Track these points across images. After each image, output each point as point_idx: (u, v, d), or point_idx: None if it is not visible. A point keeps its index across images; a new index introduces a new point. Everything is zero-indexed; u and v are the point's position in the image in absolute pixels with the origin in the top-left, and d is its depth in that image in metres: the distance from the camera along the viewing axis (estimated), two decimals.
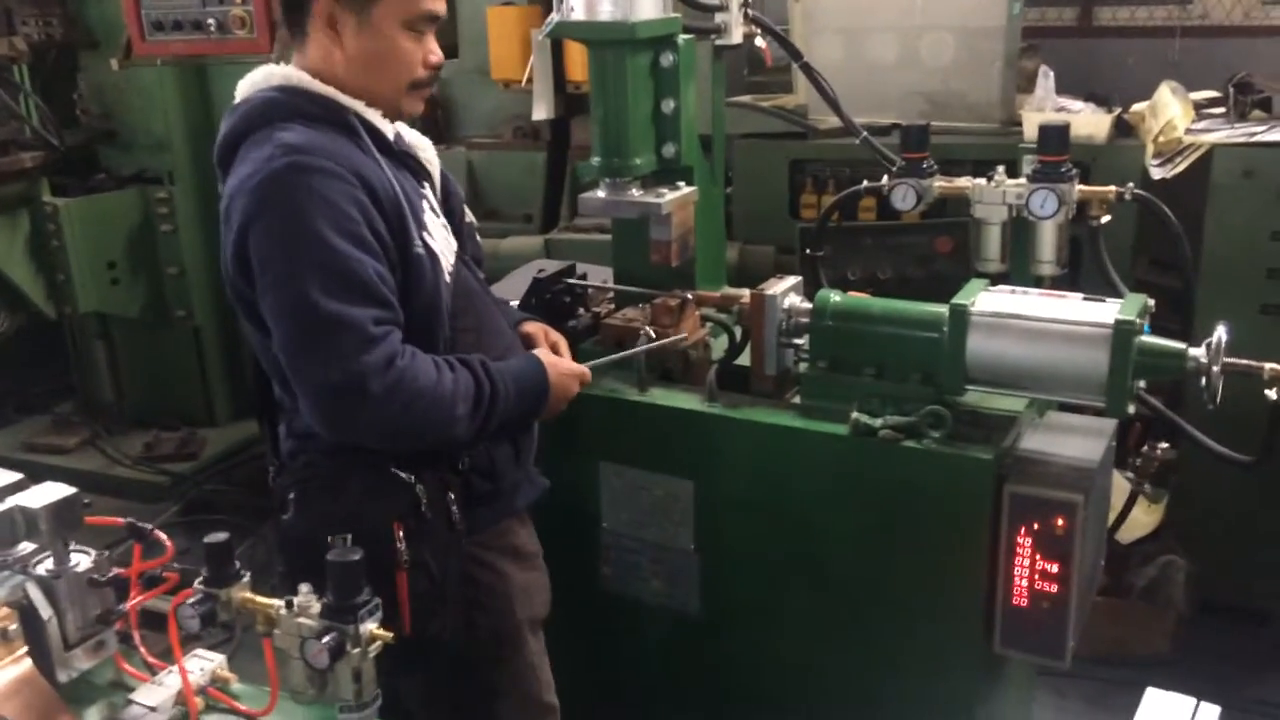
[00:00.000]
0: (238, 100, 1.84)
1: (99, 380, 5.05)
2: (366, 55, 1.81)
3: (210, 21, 3.94)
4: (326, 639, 1.43)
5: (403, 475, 1.82)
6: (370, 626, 1.45)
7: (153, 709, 1.55)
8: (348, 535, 1.65)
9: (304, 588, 1.49)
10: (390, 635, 1.45)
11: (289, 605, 1.48)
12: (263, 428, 2.03)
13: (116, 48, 4.39)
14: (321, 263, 1.67)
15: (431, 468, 1.86)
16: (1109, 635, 3.23)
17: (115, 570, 1.64)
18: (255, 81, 1.84)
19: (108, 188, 4.64)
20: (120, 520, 1.73)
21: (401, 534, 1.80)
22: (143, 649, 1.65)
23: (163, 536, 1.68)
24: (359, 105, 1.81)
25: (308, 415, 1.75)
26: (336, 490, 1.82)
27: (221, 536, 1.55)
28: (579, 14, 2.14)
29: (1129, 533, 3.52)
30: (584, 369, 2.07)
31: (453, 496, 1.87)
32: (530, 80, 2.96)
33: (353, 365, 1.66)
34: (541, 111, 2.77)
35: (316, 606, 1.47)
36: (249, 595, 1.54)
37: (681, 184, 2.31)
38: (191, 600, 1.52)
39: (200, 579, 1.54)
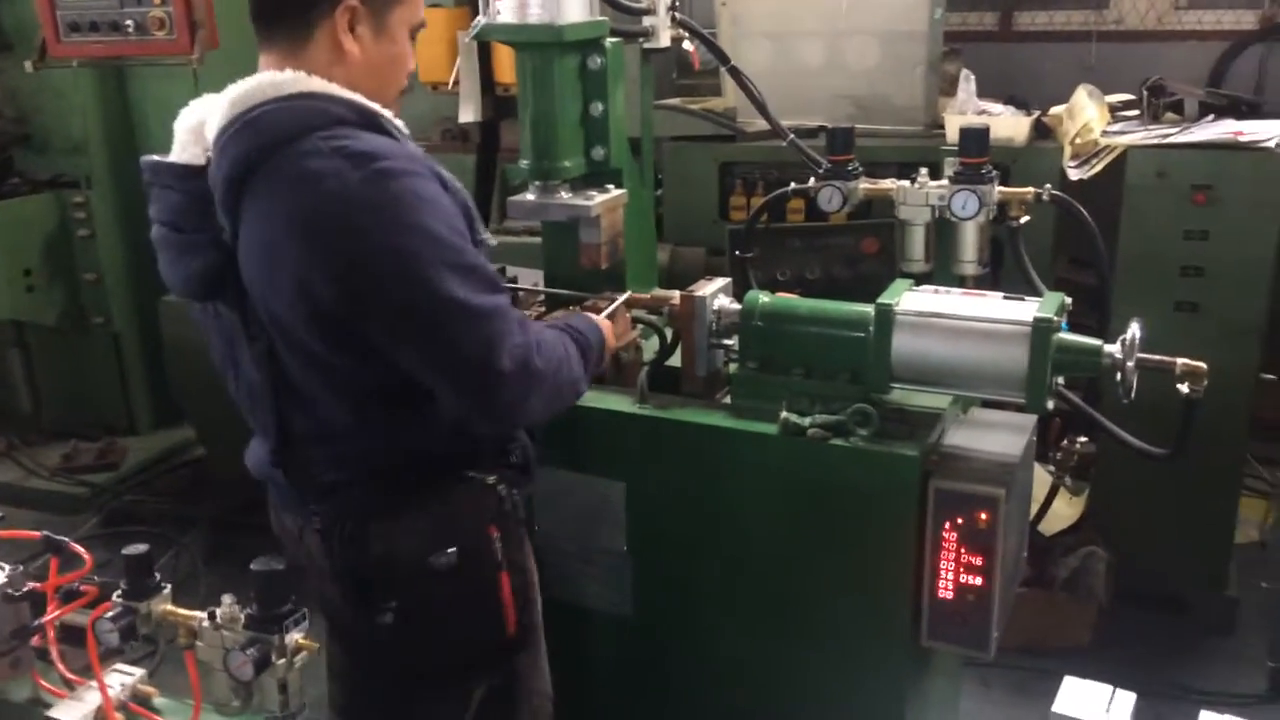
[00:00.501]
0: (228, 117, 1.66)
1: (15, 390, 4.90)
2: (381, 60, 1.77)
3: (128, 23, 3.84)
4: (251, 650, 1.41)
5: (488, 479, 1.84)
6: (296, 636, 1.45)
7: None
8: (450, 551, 1.74)
9: (226, 599, 1.48)
10: (315, 646, 1.45)
11: (211, 617, 1.46)
12: (291, 465, 1.81)
13: (31, 49, 4.26)
14: (452, 263, 1.63)
15: (495, 467, 1.87)
16: (1032, 626, 3.31)
17: (30, 585, 1.60)
18: (252, 93, 1.67)
19: (22, 192, 4.50)
20: (36, 533, 1.69)
21: (497, 535, 1.83)
22: (61, 665, 1.62)
23: (80, 549, 1.65)
24: (378, 108, 1.74)
25: (477, 413, 1.71)
26: (421, 506, 1.78)
27: (140, 548, 1.53)
28: (506, 16, 2.13)
29: (1051, 525, 3.61)
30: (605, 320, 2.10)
31: (516, 491, 1.90)
32: (457, 83, 2.94)
33: (517, 351, 1.67)
34: (469, 114, 2.75)
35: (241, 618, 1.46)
36: (170, 608, 1.52)
37: (611, 187, 2.31)
38: (110, 614, 1.49)
39: (119, 592, 1.51)
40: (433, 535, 1.76)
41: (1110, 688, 1.17)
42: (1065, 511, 3.74)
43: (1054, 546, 3.52)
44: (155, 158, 1.79)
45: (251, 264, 1.67)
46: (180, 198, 1.75)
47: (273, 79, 1.68)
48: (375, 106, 1.73)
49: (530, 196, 2.27)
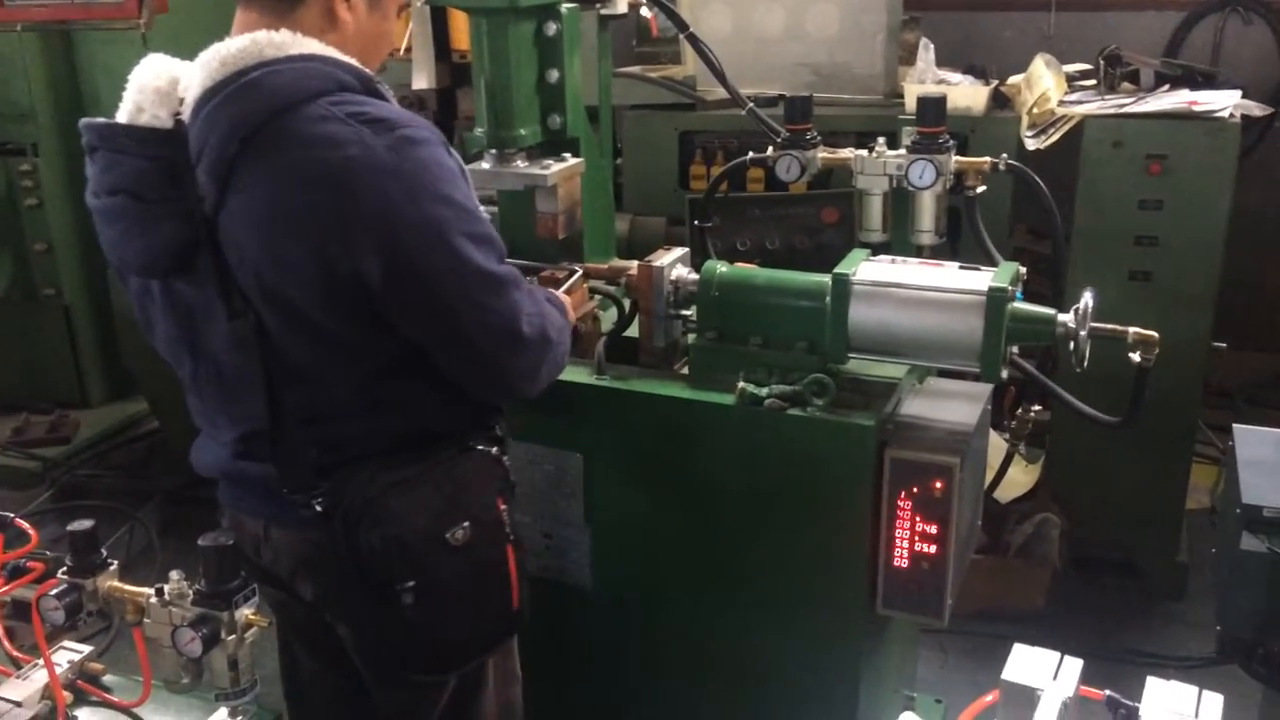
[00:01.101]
0: (220, 76, 1.58)
1: None
2: (371, 32, 1.73)
3: None
4: (199, 627, 1.39)
5: (492, 449, 1.81)
6: (246, 612, 1.43)
7: (18, 704, 1.49)
8: (465, 524, 1.70)
9: (175, 574, 1.45)
10: (266, 622, 1.43)
11: (159, 593, 1.44)
12: (283, 447, 1.70)
13: None
14: (474, 232, 1.63)
15: (490, 441, 1.84)
16: (987, 592, 3.35)
17: None
18: (247, 51, 1.59)
19: None
20: None
21: (504, 509, 1.80)
22: (7, 643, 1.59)
23: (25, 525, 1.62)
24: (374, 76, 1.69)
25: (494, 381, 1.75)
26: (431, 482, 1.72)
27: (86, 524, 1.50)
28: None
29: (1007, 492, 3.66)
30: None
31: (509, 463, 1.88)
32: (409, 49, 2.89)
33: (535, 319, 1.72)
34: (422, 81, 2.70)
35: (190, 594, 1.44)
36: (116, 584, 1.50)
37: (568, 156, 2.29)
38: (55, 591, 1.47)
39: (64, 569, 1.48)
40: (445, 509, 1.70)
41: (1058, 654, 1.18)
42: (1021, 479, 3.79)
43: (1009, 513, 3.57)
44: (103, 120, 1.66)
45: (249, 233, 1.57)
46: (142, 163, 1.62)
47: (270, 38, 1.60)
48: (371, 73, 1.69)
49: (485, 165, 2.24)
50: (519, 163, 2.22)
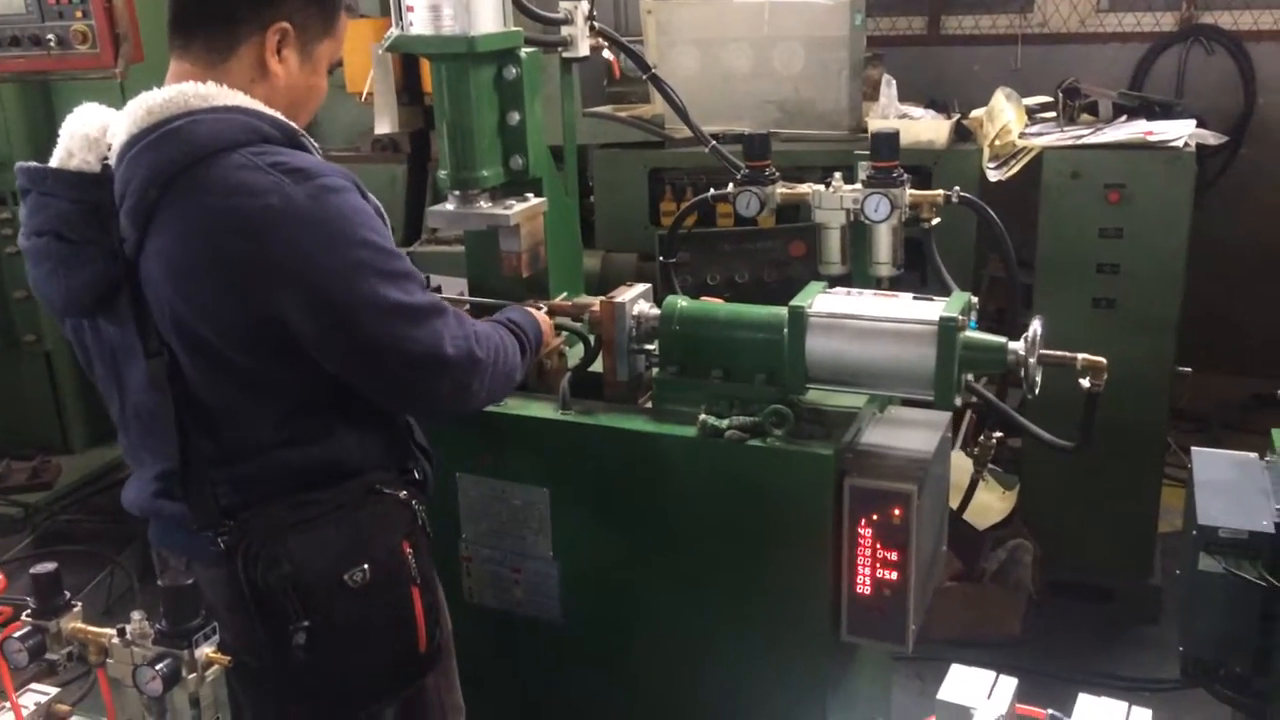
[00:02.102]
0: (144, 124, 1.63)
1: None
2: (301, 87, 1.79)
3: (50, 37, 3.78)
4: (160, 665, 1.41)
5: (400, 495, 1.83)
6: (206, 650, 1.44)
7: None
8: (364, 567, 1.73)
9: (136, 615, 1.47)
10: (227, 660, 1.44)
11: (121, 634, 1.46)
12: (193, 485, 1.73)
13: None
14: (392, 270, 1.69)
15: (407, 484, 1.88)
16: (964, 618, 3.38)
17: None
18: (173, 101, 1.64)
19: None
20: None
21: (410, 552, 1.81)
22: None
23: None
24: (298, 128, 1.75)
25: (423, 401, 1.82)
26: (333, 522, 1.75)
27: (48, 567, 1.52)
28: (418, 28, 2.14)
29: (984, 519, 3.69)
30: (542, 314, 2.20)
31: (423, 508, 1.90)
32: (370, 94, 2.94)
33: (459, 341, 1.76)
34: (384, 125, 2.76)
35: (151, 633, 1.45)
36: (80, 625, 1.51)
37: (530, 195, 2.33)
38: (18, 634, 1.48)
39: (27, 611, 1.50)
40: (346, 551, 1.73)
41: (994, 674, 1.21)
42: (998, 505, 3.82)
43: (985, 540, 3.59)
44: (34, 164, 1.73)
45: (166, 276, 1.62)
46: (68, 206, 1.69)
47: (197, 90, 1.66)
48: (295, 126, 1.74)
49: (450, 207, 2.28)
50: (482, 203, 2.26)
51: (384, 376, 1.73)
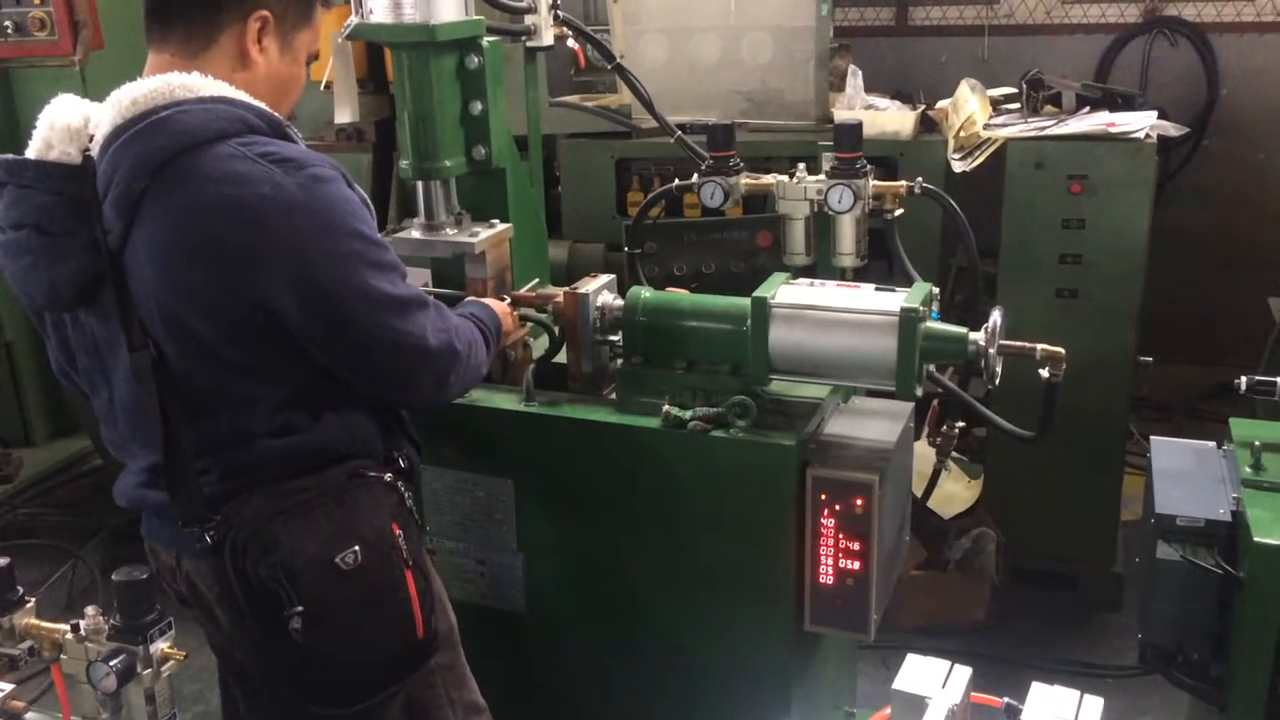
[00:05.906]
0: (128, 115, 1.61)
1: None
2: (281, 76, 1.79)
3: (7, 24, 3.73)
4: (114, 662, 1.40)
5: (385, 477, 1.82)
6: (162, 645, 1.44)
7: None
8: (355, 549, 1.70)
9: (90, 610, 1.46)
10: (182, 656, 1.44)
11: (75, 629, 1.45)
12: (177, 478, 1.70)
13: None
14: (379, 261, 1.70)
15: (390, 468, 1.87)
16: (929, 606, 3.40)
17: None
18: (158, 91, 1.63)
19: None
20: None
21: (400, 534, 1.79)
22: None
23: None
24: (282, 119, 1.74)
25: (405, 392, 1.83)
26: (320, 507, 1.73)
27: (1, 561, 1.50)
28: (378, 16, 2.12)
29: (949, 508, 3.72)
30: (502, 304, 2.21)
31: (409, 494, 1.89)
32: (330, 84, 2.92)
33: (441, 334, 1.78)
34: (344, 114, 2.75)
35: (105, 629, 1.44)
36: (33, 621, 1.50)
37: (496, 222, 2.34)
38: None
39: None
40: (335, 534, 1.70)
41: (948, 663, 1.22)
42: (963, 495, 3.85)
43: (950, 529, 3.62)
44: (11, 156, 1.70)
45: (154, 266, 1.61)
46: (48, 199, 1.66)
47: (183, 80, 1.65)
48: (280, 116, 1.73)
49: (416, 234, 2.28)
50: (448, 231, 2.27)
51: (370, 366, 1.74)
